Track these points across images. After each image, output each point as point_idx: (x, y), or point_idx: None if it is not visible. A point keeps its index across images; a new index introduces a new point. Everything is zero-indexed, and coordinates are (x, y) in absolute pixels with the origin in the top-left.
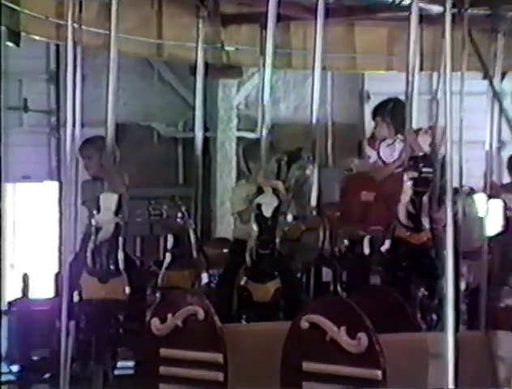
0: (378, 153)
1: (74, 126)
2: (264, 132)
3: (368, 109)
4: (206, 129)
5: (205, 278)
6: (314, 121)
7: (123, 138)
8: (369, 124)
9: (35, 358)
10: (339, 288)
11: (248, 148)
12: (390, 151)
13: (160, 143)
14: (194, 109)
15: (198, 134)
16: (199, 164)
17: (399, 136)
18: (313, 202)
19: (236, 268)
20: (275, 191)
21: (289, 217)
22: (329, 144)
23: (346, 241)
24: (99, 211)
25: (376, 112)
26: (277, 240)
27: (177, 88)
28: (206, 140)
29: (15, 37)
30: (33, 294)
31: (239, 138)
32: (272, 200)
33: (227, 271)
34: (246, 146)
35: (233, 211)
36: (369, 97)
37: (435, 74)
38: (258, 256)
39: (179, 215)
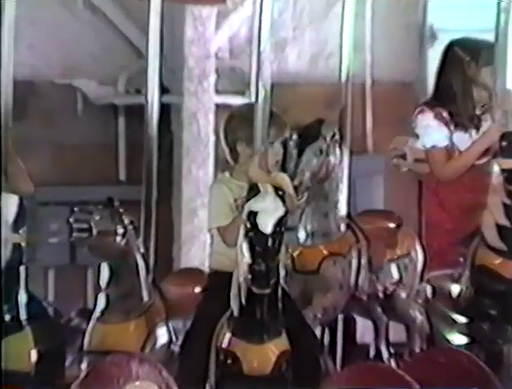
0: (450, 132)
1: None
2: (260, 96)
3: (433, 57)
4: (164, 90)
5: (162, 335)
6: (344, 77)
7: (27, 105)
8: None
9: None
10: (384, 352)
11: (234, 122)
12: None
13: (87, 113)
14: (144, 57)
15: (152, 99)
16: (153, 147)
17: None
18: (342, 209)
19: (213, 319)
20: (279, 192)
21: (302, 234)
22: (368, 115)
23: (395, 274)
24: None
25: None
26: (282, 272)
27: (117, 22)
28: (164, 109)
29: None
30: None
31: (219, 107)
32: (274, 206)
33: (199, 324)
34: (231, 118)
35: (210, 226)
36: (434, 37)
37: None
38: (250, 299)
39: (119, 231)
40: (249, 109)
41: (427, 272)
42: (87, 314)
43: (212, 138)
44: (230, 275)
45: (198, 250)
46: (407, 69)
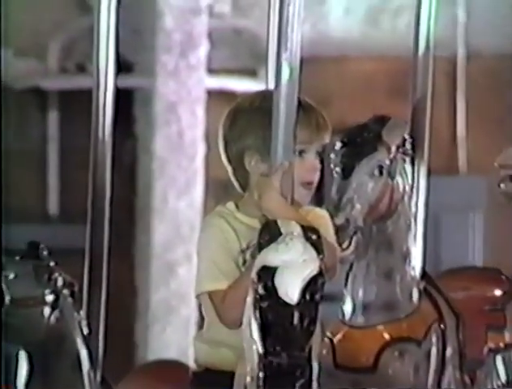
0: None
1: None
2: (283, 78)
3: None
4: (124, 67)
5: None
6: (421, 48)
7: None
8: None
9: None
10: None
11: (240, 121)
12: None
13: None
14: (91, 10)
15: (104, 82)
16: (104, 161)
17: None
18: (416, 265)
19: None
20: (312, 236)
21: (348, 307)
22: (459, 111)
23: (503, 373)
24: None
25: None
26: (315, 368)
27: None
28: (124, 98)
29: None
30: None
31: (214, 94)
32: (303, 260)
33: None
34: (236, 114)
35: (199, 291)
36: None
37: None
38: None
39: (48, 298)
40: (265, 99)
41: None
42: None
43: (202, 146)
44: (230, 375)
45: (176, 330)
46: None
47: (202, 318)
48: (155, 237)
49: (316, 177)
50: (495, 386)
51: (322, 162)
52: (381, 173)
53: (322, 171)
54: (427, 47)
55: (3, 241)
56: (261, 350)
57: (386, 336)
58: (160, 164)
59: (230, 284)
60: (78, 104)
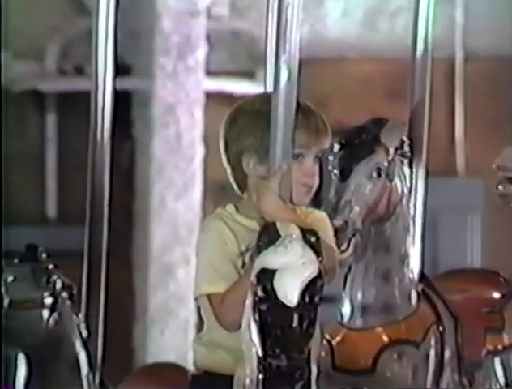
0: None
1: None
2: (282, 79)
3: None
4: (122, 69)
5: None
6: (419, 50)
7: None
8: None
9: None
10: None
11: (239, 123)
12: None
13: None
14: (89, 12)
15: (102, 84)
16: (103, 164)
17: None
18: (414, 267)
19: None
20: (311, 238)
21: (347, 309)
22: (457, 113)
23: (501, 375)
24: None
25: None
26: (314, 370)
27: None
28: (122, 100)
29: None
30: None
31: (212, 96)
32: (302, 262)
33: None
34: (236, 116)
35: (198, 293)
36: None
37: None
38: None
39: (46, 300)
40: (266, 101)
41: None
42: None
43: (200, 148)
44: (229, 378)
45: (175, 333)
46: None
47: (201, 321)
48: (154, 240)
49: (314, 182)
50: (494, 388)
51: (321, 166)
52: (379, 175)
53: (320, 175)
54: (425, 49)
55: (2, 244)
56: (260, 352)
57: (385, 338)
58: (158, 167)
59: (229, 287)
60: (77, 106)
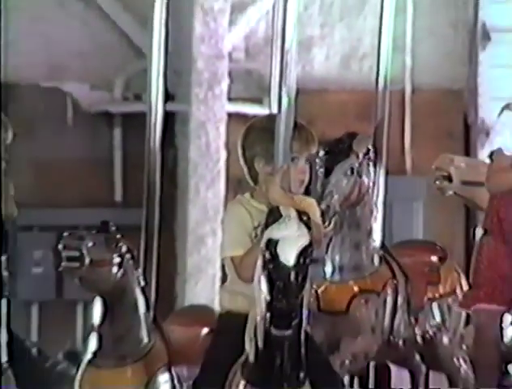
0: None
1: None
2: (282, 105)
3: (485, 61)
4: (168, 96)
5: (164, 383)
6: (380, 83)
7: (7, 112)
8: (491, 89)
9: None
10: None
11: (252, 135)
12: None
13: (78, 123)
14: (145, 56)
15: (155, 107)
16: (155, 164)
17: None
18: (376, 238)
19: (225, 365)
20: (303, 217)
21: (328, 268)
22: (407, 129)
23: (437, 316)
24: None
25: None
26: (305, 311)
27: (113, 15)
28: (168, 118)
29: None
30: None
31: (232, 116)
32: (297, 234)
33: (208, 371)
34: (250, 130)
35: (224, 255)
36: (487, 37)
37: None
38: (268, 342)
39: (115, 260)
40: (270, 120)
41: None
42: (75, 356)
43: (223, 153)
44: (245, 316)
45: (205, 284)
46: (454, 74)
47: (224, 276)
48: (190, 218)
49: (306, 177)
50: (429, 327)
51: (310, 166)
52: (352, 173)
53: (310, 172)
54: (384, 84)
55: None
56: (268, 298)
57: (355, 289)
58: (193, 166)
59: (246, 251)
60: (136, 123)
